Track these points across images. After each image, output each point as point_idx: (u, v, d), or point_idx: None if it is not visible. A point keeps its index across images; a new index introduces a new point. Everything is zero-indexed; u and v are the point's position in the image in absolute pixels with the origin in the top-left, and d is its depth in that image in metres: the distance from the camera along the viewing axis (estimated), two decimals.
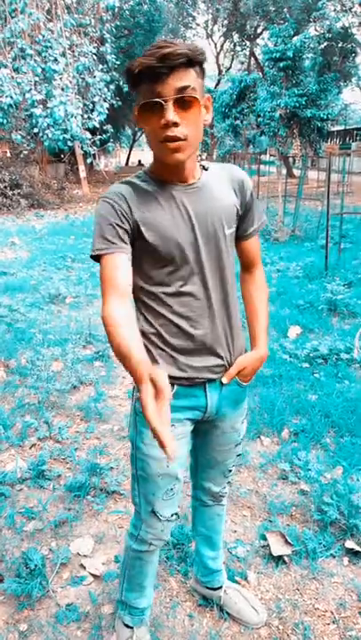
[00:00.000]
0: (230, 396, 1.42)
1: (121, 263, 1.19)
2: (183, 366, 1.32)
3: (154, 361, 1.31)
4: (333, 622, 1.76)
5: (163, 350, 1.31)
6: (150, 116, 1.13)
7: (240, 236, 1.43)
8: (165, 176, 1.25)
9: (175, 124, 1.11)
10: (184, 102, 1.11)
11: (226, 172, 1.35)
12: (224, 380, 1.38)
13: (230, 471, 1.60)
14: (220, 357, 1.36)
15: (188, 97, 1.11)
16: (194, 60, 1.11)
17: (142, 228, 1.22)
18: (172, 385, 1.31)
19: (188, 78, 1.11)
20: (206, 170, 1.31)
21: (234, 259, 1.38)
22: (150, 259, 1.26)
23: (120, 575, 1.63)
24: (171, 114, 1.10)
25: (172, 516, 1.46)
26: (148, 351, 1.30)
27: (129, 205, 1.22)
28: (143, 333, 1.31)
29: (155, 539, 1.48)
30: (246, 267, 1.52)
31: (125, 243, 1.21)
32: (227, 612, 1.77)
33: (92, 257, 1.22)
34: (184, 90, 1.10)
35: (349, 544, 2.05)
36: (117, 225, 1.21)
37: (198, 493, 1.66)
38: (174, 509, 1.46)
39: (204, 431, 1.49)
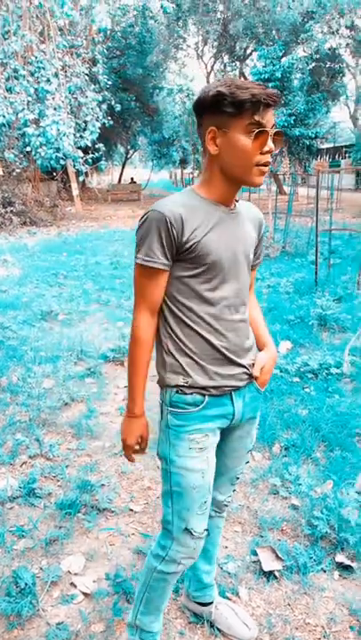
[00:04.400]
0: (252, 402, 1.51)
1: (162, 282, 1.35)
2: (213, 375, 1.39)
3: (182, 371, 1.38)
4: (324, 637, 1.76)
5: (191, 359, 1.39)
6: (253, 141, 1.26)
7: None
8: (217, 199, 1.37)
9: (270, 152, 1.29)
10: (277, 134, 1.30)
11: (250, 210, 1.51)
12: (255, 373, 1.48)
13: (238, 478, 1.65)
14: (243, 366, 1.45)
15: (280, 131, 1.31)
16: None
17: (193, 245, 1.32)
18: (203, 396, 1.39)
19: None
20: (237, 201, 1.45)
21: None
22: (193, 272, 1.35)
23: (136, 599, 1.60)
24: (272, 143, 1.28)
25: (203, 531, 1.47)
26: (176, 360, 1.39)
27: (183, 222, 1.30)
28: (173, 347, 1.39)
29: (185, 557, 1.48)
30: None
31: (169, 260, 1.33)
32: (217, 628, 1.77)
33: (141, 264, 1.34)
34: (274, 126, 1.30)
35: (340, 558, 2.06)
36: (167, 242, 1.30)
37: None
38: (205, 525, 1.48)
39: (221, 439, 1.52)
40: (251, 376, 1.48)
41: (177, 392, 1.40)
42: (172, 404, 1.41)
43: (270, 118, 1.27)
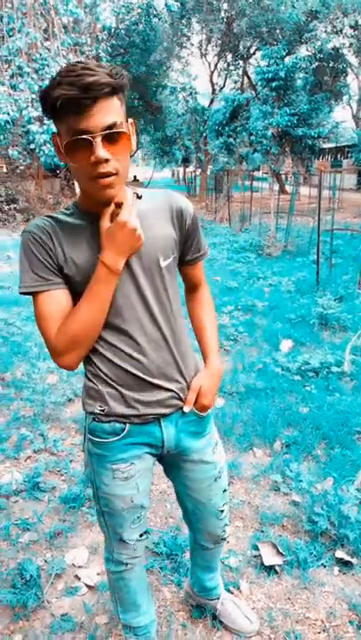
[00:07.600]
0: (188, 427, 1.36)
1: (61, 299, 1.16)
2: (133, 402, 1.25)
3: (103, 401, 1.26)
4: (324, 631, 1.79)
5: (110, 386, 1.25)
6: (77, 151, 1.05)
7: (184, 263, 1.37)
8: (95, 209, 1.16)
9: (106, 161, 1.04)
10: (112, 136, 1.05)
11: (163, 201, 1.26)
12: (186, 409, 1.33)
13: (222, 512, 1.52)
14: (171, 390, 1.30)
15: (117, 132, 1.05)
16: (117, 88, 1.04)
17: (69, 266, 1.16)
18: (124, 424, 1.27)
19: (113, 109, 1.04)
20: (140, 198, 1.24)
21: (177, 286, 1.32)
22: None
23: (112, 601, 1.62)
24: (101, 150, 1.03)
25: (141, 536, 1.45)
26: (98, 391, 1.26)
27: (53, 242, 1.15)
28: (90, 373, 1.27)
29: (129, 558, 1.46)
30: (190, 289, 1.49)
31: (59, 277, 1.16)
32: (220, 621, 1.80)
33: (21, 293, 1.17)
34: (113, 126, 1.04)
35: (339, 554, 2.09)
36: (45, 260, 1.15)
37: (198, 538, 1.61)
38: (143, 530, 1.45)
39: (175, 471, 1.46)
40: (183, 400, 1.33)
41: (94, 420, 1.28)
42: (90, 432, 1.30)
43: (96, 121, 1.01)
